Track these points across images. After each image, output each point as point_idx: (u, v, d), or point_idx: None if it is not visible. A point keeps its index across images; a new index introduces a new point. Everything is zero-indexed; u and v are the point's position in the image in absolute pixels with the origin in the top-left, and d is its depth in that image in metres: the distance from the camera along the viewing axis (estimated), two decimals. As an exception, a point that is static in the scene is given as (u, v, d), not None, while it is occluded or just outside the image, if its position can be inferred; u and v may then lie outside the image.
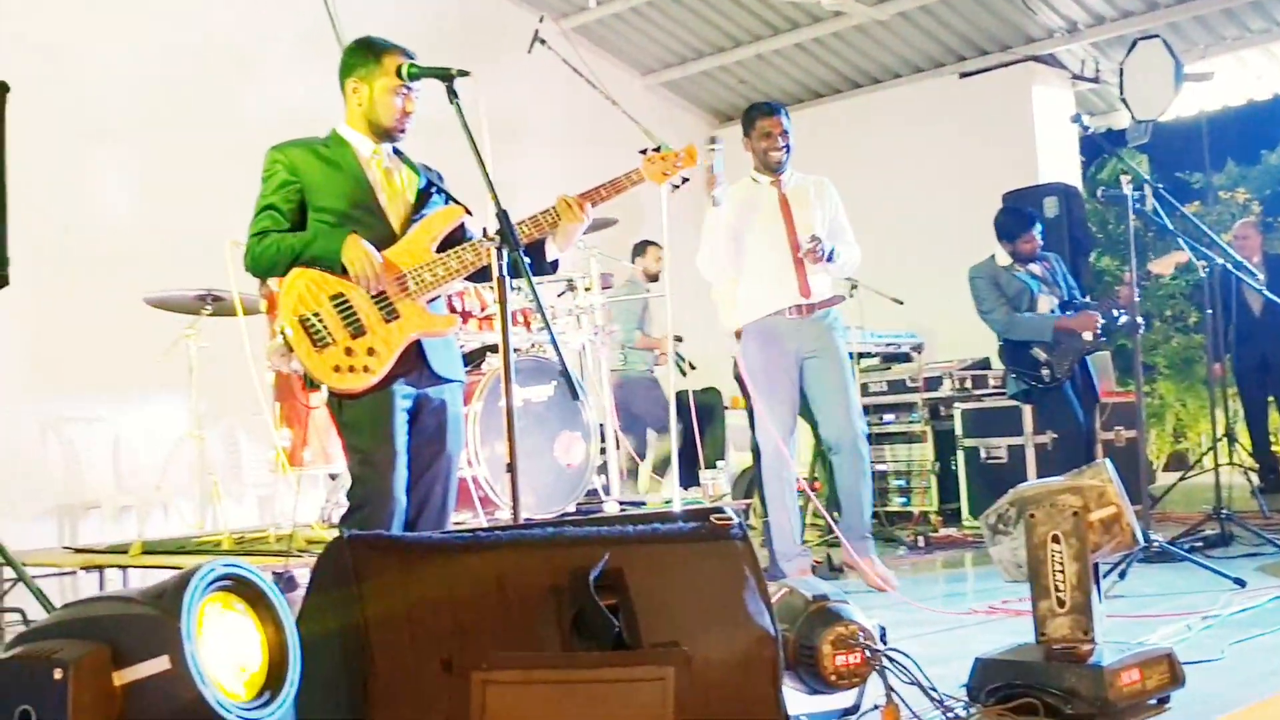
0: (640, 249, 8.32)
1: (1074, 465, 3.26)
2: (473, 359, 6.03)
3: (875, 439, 7.74)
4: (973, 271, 6.68)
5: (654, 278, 8.13)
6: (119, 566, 5.48)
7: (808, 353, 5.33)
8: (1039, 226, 6.70)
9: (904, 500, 7.81)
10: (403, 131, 3.75)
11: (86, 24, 7.52)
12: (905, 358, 8.30)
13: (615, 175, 3.82)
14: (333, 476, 5.77)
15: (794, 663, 2.83)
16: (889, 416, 7.94)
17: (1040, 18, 9.48)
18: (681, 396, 7.11)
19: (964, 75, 10.13)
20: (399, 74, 3.64)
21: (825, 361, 5.33)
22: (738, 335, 6.60)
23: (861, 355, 7.93)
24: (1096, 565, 2.99)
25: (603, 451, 6.45)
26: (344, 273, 3.57)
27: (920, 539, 6.91)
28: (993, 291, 6.58)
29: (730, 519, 2.70)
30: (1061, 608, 2.89)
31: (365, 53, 3.71)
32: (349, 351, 3.53)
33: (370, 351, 3.54)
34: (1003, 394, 7.26)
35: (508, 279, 3.36)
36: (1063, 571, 2.89)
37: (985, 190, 8.84)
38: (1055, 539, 2.88)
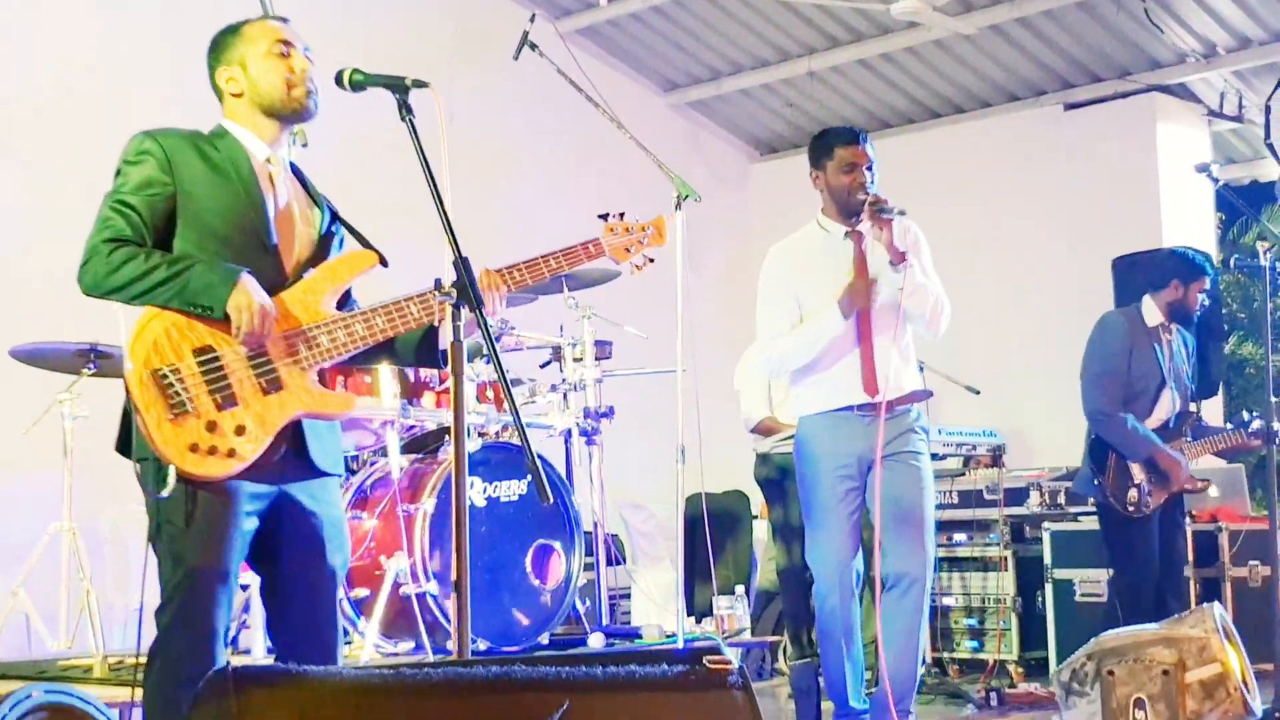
0: None
1: (1138, 617, 3.22)
2: (426, 444, 6.03)
3: (942, 564, 7.69)
4: (1107, 319, 6.46)
5: None
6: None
7: (878, 457, 5.15)
8: (1214, 275, 6.54)
9: (975, 645, 7.73)
10: (310, 99, 3.61)
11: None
12: (983, 462, 8.25)
13: (570, 244, 3.77)
14: (244, 587, 5.75)
15: None
16: (959, 537, 7.89)
17: (1169, 38, 9.51)
18: (694, 502, 7.09)
19: (1070, 107, 10.17)
20: (339, 80, 3.59)
21: (900, 470, 5.23)
22: (765, 431, 6.54)
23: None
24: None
25: (590, 568, 6.43)
26: (222, 321, 3.39)
27: (993, 695, 6.84)
28: (1117, 358, 6.24)
29: (728, 663, 2.68)
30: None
31: (227, 34, 3.64)
32: (212, 426, 3.36)
33: (240, 430, 3.38)
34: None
35: (464, 345, 3.34)
36: (1151, 748, 2.85)
37: (1092, 252, 8.86)
38: (1139, 704, 2.84)
